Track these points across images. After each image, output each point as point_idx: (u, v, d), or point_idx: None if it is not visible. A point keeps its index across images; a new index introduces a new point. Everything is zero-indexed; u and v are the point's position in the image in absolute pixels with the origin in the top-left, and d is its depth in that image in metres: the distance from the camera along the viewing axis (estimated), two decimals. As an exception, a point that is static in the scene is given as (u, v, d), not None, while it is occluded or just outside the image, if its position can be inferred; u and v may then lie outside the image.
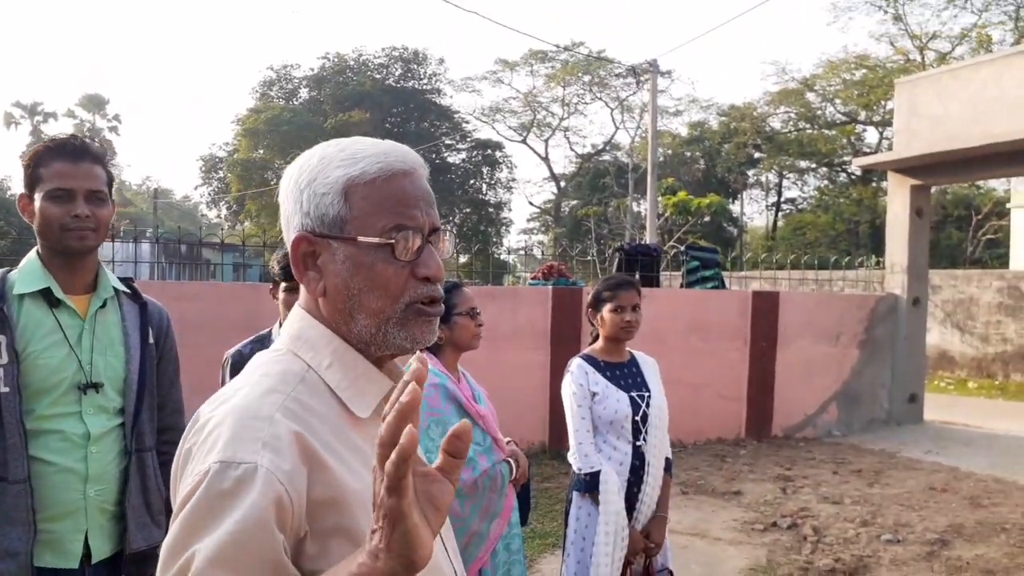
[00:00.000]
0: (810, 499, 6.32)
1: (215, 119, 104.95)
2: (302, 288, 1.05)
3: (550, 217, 40.33)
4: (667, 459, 2.98)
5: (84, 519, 1.83)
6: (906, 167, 10.09)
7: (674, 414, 3.18)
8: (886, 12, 29.52)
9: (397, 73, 38.25)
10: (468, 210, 37.82)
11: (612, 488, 2.77)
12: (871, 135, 33.70)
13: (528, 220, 43.45)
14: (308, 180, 1.01)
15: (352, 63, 37.93)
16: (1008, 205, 22.53)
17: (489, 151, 38.70)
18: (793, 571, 4.79)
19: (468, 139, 39.14)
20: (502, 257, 27.24)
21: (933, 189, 11.81)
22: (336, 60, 37.90)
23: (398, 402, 0.76)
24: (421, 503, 0.78)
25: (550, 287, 7.90)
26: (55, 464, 1.80)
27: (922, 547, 5.16)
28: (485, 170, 38.82)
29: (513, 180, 40.45)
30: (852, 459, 7.83)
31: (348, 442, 0.98)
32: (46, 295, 1.85)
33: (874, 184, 30.65)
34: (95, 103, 48.46)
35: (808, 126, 34.24)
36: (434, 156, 36.07)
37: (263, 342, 2.44)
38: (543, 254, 30.21)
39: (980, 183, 28.45)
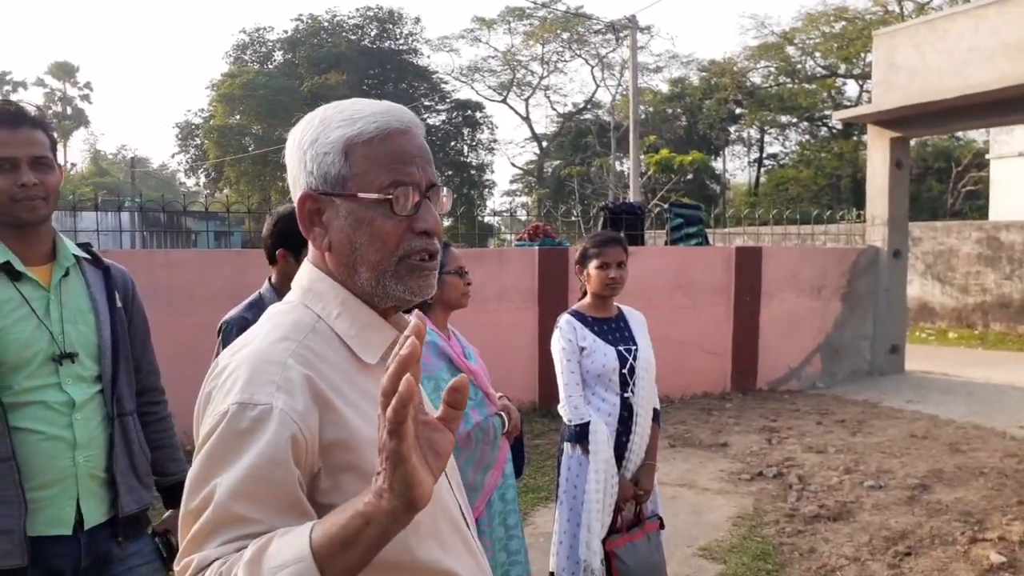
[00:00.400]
0: (795, 449, 6.46)
1: (189, 85, 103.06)
2: (310, 243, 1.10)
3: (533, 178, 40.19)
4: (655, 410, 3.07)
5: (75, 485, 1.82)
6: (885, 119, 10.12)
7: (661, 370, 3.24)
8: (865, -37, 29.36)
9: (372, 34, 37.63)
10: (450, 172, 37.57)
11: (601, 438, 2.86)
12: (851, 88, 33.71)
13: (511, 181, 43.33)
14: (310, 141, 1.07)
15: (326, 24, 37.26)
16: (987, 156, 22.71)
17: (469, 112, 38.33)
18: (779, 518, 4.91)
19: (447, 100, 38.71)
20: (486, 219, 27.19)
21: (913, 141, 11.85)
22: (310, 22, 37.21)
23: (398, 354, 0.81)
24: (423, 449, 0.84)
25: (536, 248, 7.92)
26: (42, 432, 1.78)
27: (903, 492, 5.30)
28: (466, 131, 38.48)
29: (494, 141, 40.18)
30: (835, 410, 7.98)
31: (357, 387, 1.04)
32: (6, 269, 1.80)
33: (855, 138, 30.73)
34: (65, 71, 47.50)
35: (788, 80, 34.17)
36: (414, 118, 35.69)
37: (258, 306, 2.43)
38: (528, 215, 30.15)
39: (960, 135, 28.63)
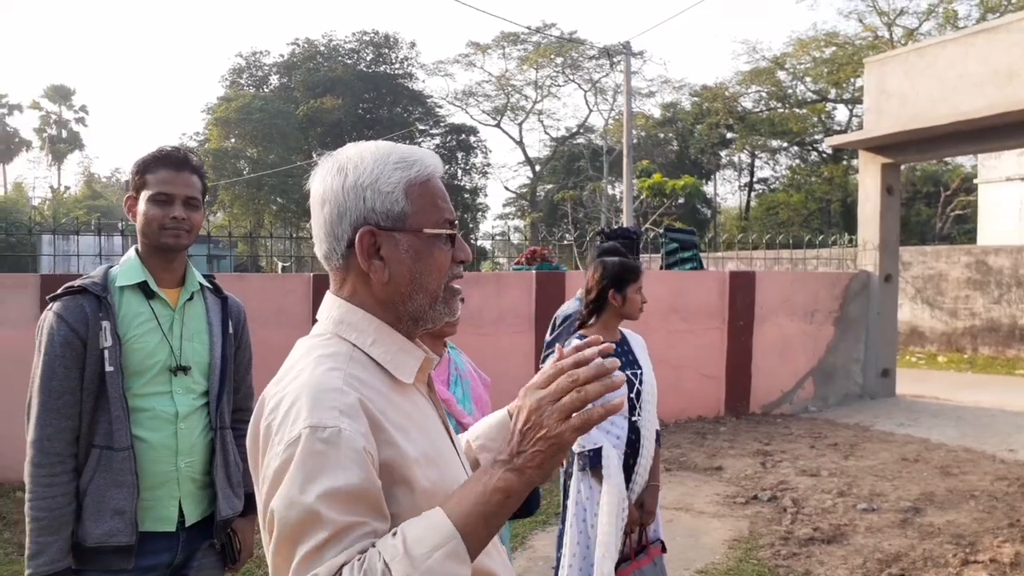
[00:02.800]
0: (788, 472, 6.52)
1: (185, 108, 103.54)
2: (334, 278, 1.21)
3: (526, 202, 40.41)
4: (656, 431, 3.14)
5: (177, 488, 2.06)
6: (876, 146, 10.29)
7: (657, 393, 3.30)
8: (854, -10, 29.82)
9: (368, 58, 38.00)
10: (444, 195, 37.73)
11: (614, 463, 2.90)
12: (841, 113, 34.14)
13: (504, 205, 43.59)
14: (370, 180, 1.16)
15: (322, 48, 37.61)
16: (975, 181, 22.97)
17: (463, 136, 38.65)
18: (774, 541, 4.97)
19: (442, 124, 39.04)
20: (480, 243, 27.31)
21: (903, 167, 12.03)
22: (306, 46, 37.56)
23: (600, 362, 1.02)
24: None
25: (534, 271, 8.01)
26: (149, 440, 2.02)
27: (896, 515, 5.37)
28: (460, 155, 38.76)
29: (488, 165, 40.52)
30: (828, 433, 8.06)
31: (397, 407, 1.13)
32: (143, 287, 2.08)
33: (845, 162, 31.06)
34: (61, 94, 47.65)
35: (779, 105, 34.56)
36: (408, 142, 35.80)
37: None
38: (524, 238, 30.30)
39: (948, 160, 28.95)
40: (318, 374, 1.08)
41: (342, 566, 0.95)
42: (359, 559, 0.95)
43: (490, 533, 1.00)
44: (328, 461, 0.99)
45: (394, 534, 0.97)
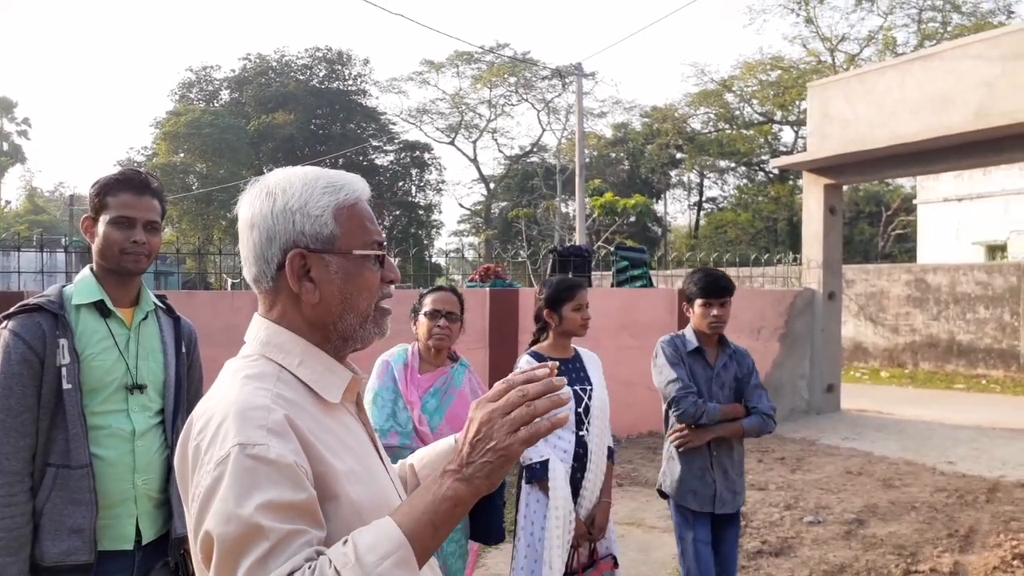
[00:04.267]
0: (737, 486, 6.62)
1: (133, 122, 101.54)
2: (262, 300, 1.23)
3: (480, 219, 40.49)
4: (609, 448, 3.19)
5: (135, 506, 2.07)
6: (819, 167, 10.60)
7: (609, 410, 3.35)
8: (798, 15, 30.75)
9: (321, 74, 37.78)
10: (398, 212, 37.64)
11: (559, 475, 2.96)
12: (787, 134, 35.02)
13: (458, 222, 43.57)
14: (299, 204, 1.18)
15: (275, 64, 37.28)
16: (915, 201, 23.75)
17: (417, 153, 38.60)
18: (723, 554, 5.04)
19: (396, 141, 38.95)
20: (434, 260, 27.26)
21: (845, 187, 12.40)
22: (258, 61, 37.21)
23: (545, 378, 1.06)
24: None
25: (488, 289, 8.04)
26: (106, 458, 2.03)
27: (841, 527, 5.50)
28: (414, 172, 38.71)
29: (442, 182, 40.57)
30: (775, 447, 8.22)
31: (323, 426, 1.15)
32: (99, 306, 2.10)
33: (791, 182, 31.83)
34: (3, 106, 46.37)
35: (727, 126, 35.32)
36: (361, 158, 35.78)
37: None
38: (478, 255, 30.31)
39: (889, 181, 29.87)
40: (245, 393, 1.10)
41: (291, 574, 0.95)
42: (308, 567, 0.96)
43: (438, 541, 1.02)
44: (260, 476, 1.00)
45: (344, 542, 0.98)
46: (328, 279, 1.18)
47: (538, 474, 2.98)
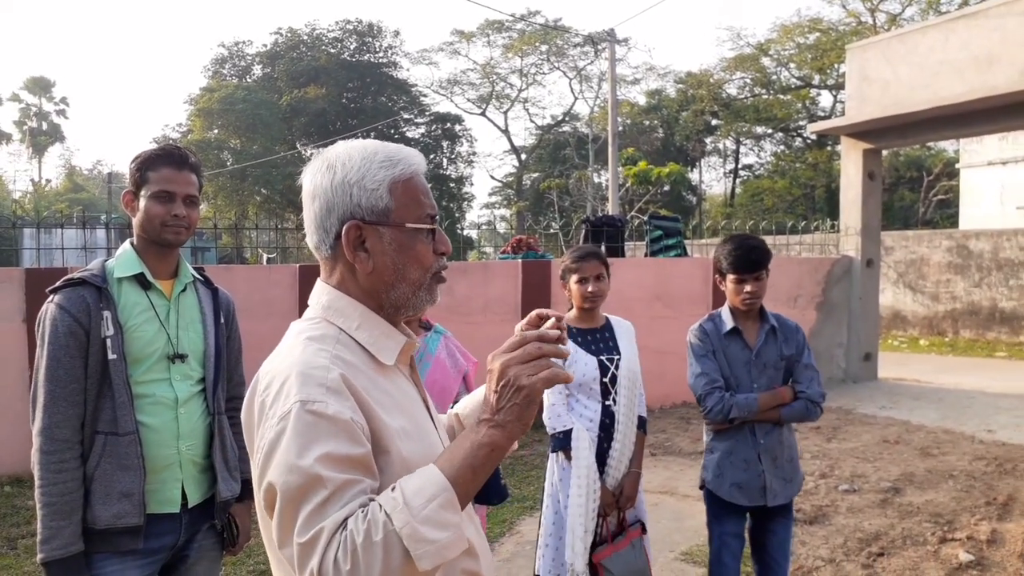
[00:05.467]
0: (772, 455, 6.60)
1: (167, 99, 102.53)
2: (324, 267, 1.31)
3: (512, 190, 40.39)
4: (641, 417, 3.17)
5: (180, 470, 2.15)
6: (858, 131, 10.38)
7: (643, 379, 3.34)
8: (837, -24, 29.93)
9: (352, 47, 37.74)
10: (429, 185, 37.55)
11: (583, 444, 2.97)
12: (825, 99, 34.30)
13: (490, 194, 43.55)
14: (357, 178, 1.25)
15: (306, 38, 37.33)
16: (957, 166, 23.17)
17: (448, 125, 38.52)
18: (757, 523, 5.04)
19: (427, 113, 38.88)
20: (466, 232, 27.32)
21: (885, 152, 12.13)
22: (289, 35, 37.27)
23: (558, 323, 1.19)
24: None
25: (520, 260, 8.05)
26: (151, 425, 2.11)
27: (876, 495, 5.47)
28: (445, 144, 38.65)
29: (474, 154, 40.41)
30: (811, 416, 8.15)
31: (378, 386, 1.23)
32: (139, 279, 2.16)
33: (829, 148, 31.23)
34: (41, 86, 47.15)
35: (764, 91, 34.68)
36: (392, 131, 35.81)
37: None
38: (510, 227, 30.31)
39: (931, 145, 29.15)
40: (307, 354, 1.18)
41: (346, 519, 1.04)
42: (362, 511, 1.05)
43: (477, 485, 1.11)
44: (320, 430, 1.08)
45: (392, 489, 1.07)
46: (382, 250, 1.25)
47: (562, 443, 3.00)
